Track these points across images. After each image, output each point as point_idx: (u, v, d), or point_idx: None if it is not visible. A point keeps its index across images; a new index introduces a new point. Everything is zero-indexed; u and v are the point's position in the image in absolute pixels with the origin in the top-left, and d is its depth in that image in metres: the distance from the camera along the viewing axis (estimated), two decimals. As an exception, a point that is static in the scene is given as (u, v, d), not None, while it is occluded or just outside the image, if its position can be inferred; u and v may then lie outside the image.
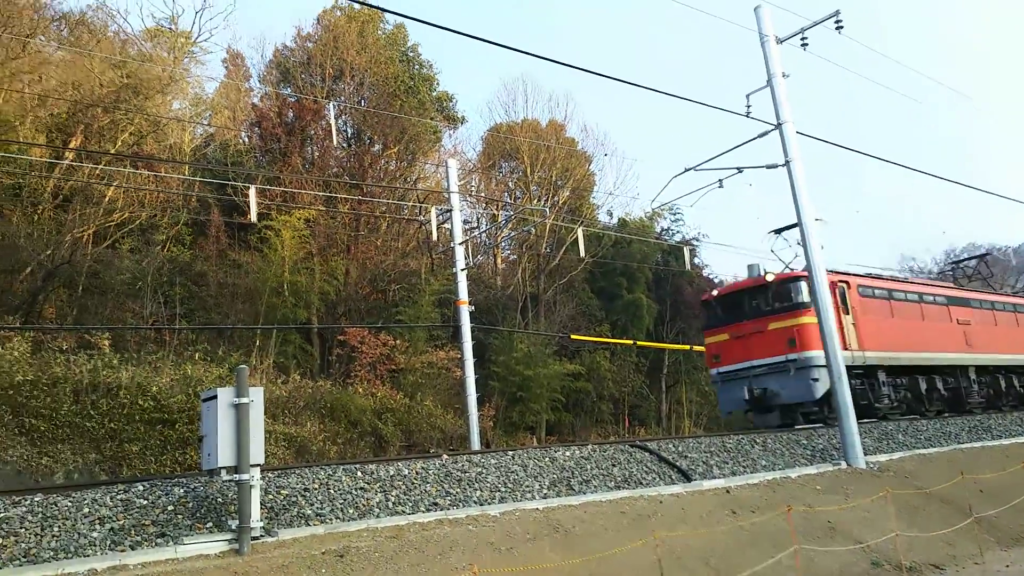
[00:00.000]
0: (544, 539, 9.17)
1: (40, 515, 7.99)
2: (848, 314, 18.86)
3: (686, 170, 18.67)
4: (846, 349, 17.66)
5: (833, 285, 18.39)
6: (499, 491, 10.51)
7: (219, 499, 9.02)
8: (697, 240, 42.04)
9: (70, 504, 8.30)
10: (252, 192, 18.83)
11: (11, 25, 26.82)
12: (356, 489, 9.84)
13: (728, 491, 11.55)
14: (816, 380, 17.32)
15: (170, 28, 36.64)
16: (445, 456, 11.48)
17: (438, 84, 38.59)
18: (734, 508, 10.90)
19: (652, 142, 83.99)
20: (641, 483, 11.70)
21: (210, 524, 8.52)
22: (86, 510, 8.25)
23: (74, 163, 26.65)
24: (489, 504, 10.08)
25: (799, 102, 17.62)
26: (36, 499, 8.31)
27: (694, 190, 18.85)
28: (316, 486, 9.70)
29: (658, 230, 42.11)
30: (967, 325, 22.98)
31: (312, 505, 9.29)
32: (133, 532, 8.12)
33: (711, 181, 18.81)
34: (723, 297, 20.54)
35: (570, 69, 12.36)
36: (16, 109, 26.32)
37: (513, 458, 11.60)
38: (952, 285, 25.54)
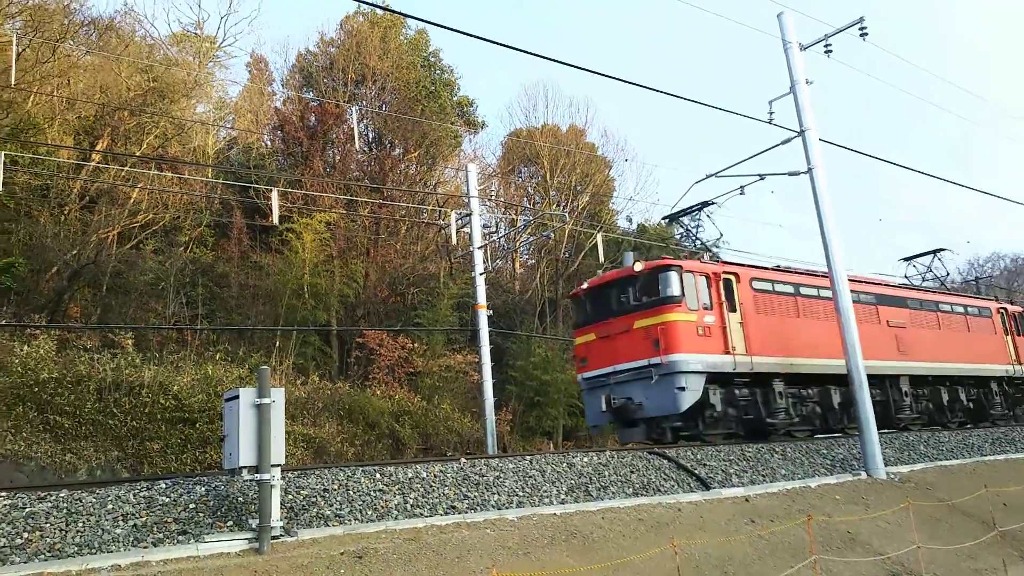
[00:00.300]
0: (562, 544, 9.15)
1: (65, 511, 8.10)
2: (735, 311, 16.17)
3: (707, 176, 18.64)
4: (727, 353, 15.45)
5: (714, 277, 16.08)
6: (517, 495, 10.51)
7: (240, 498, 9.09)
8: (717, 247, 41.78)
9: (94, 500, 8.40)
10: (274, 195, 18.98)
11: (42, 29, 27.33)
12: (375, 491, 9.87)
13: (747, 500, 11.48)
14: (682, 389, 14.58)
15: (195, 33, 37.20)
16: (463, 460, 11.49)
17: (459, 89, 38.86)
18: (753, 517, 10.83)
19: (672, 148, 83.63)
20: (660, 490, 11.65)
21: (231, 523, 8.59)
22: (110, 507, 8.35)
23: (100, 165, 27.07)
24: (507, 508, 10.08)
25: (821, 108, 17.21)
26: (61, 495, 8.42)
27: (715, 196, 18.66)
28: (335, 487, 9.74)
29: (678, 236, 41.94)
30: (900, 328, 19.93)
31: (331, 506, 9.34)
32: (155, 529, 8.20)
33: (733, 188, 18.79)
34: (592, 291, 17.42)
35: (589, 74, 12.40)
36: (45, 112, 26.79)
37: (531, 463, 11.59)
38: (884, 282, 22.07)
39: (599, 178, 38.90)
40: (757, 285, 17.00)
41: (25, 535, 7.58)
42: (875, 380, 18.37)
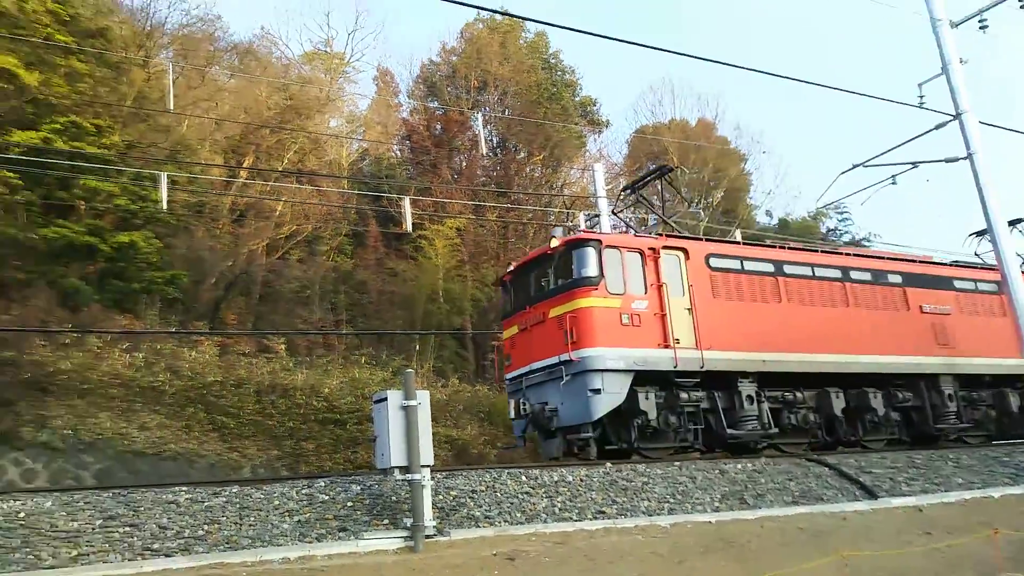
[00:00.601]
0: (717, 553, 8.78)
1: (238, 505, 8.59)
2: (684, 295, 13.12)
3: (854, 166, 17.42)
4: (665, 346, 12.49)
5: (650, 254, 13.08)
6: (667, 502, 10.22)
7: (392, 498, 9.32)
8: (868, 240, 39.44)
9: (262, 496, 8.87)
10: (406, 203, 19.55)
11: (191, 57, 29.60)
12: (521, 493, 9.87)
13: (920, 510, 10.61)
14: (597, 392, 11.88)
15: (325, 51, 39.13)
16: (609, 464, 11.30)
17: (581, 89, 38.73)
18: (928, 528, 9.97)
19: (812, 139, 79.08)
20: (821, 499, 10.99)
21: (386, 521, 8.81)
22: (276, 502, 8.78)
23: (247, 181, 28.94)
24: (658, 515, 9.81)
25: (979, 87, 15.59)
26: (233, 490, 8.96)
27: (864, 187, 17.31)
28: (483, 488, 9.82)
29: (824, 230, 39.92)
30: (941, 316, 16.02)
31: (480, 507, 9.40)
32: (318, 525, 8.53)
33: (882, 177, 17.43)
34: (515, 273, 14.72)
35: (719, 66, 11.84)
36: (197, 134, 28.95)
37: (680, 469, 11.26)
38: (918, 259, 17.57)
39: (733, 172, 37.55)
40: (717, 263, 13.88)
41: (205, 527, 8.08)
42: (900, 380, 15.29)
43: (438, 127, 34.20)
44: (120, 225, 22.47)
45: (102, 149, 22.14)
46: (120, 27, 27.98)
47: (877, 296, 15.47)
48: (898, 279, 16.07)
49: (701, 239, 14.44)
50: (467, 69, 35.28)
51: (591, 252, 12.60)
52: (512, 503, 9.64)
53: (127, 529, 7.80)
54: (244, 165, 29.56)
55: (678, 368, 12.52)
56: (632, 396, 12.21)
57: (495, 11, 14.72)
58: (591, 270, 12.50)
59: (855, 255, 16.28)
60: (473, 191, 30.98)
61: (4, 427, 15.39)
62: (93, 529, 7.74)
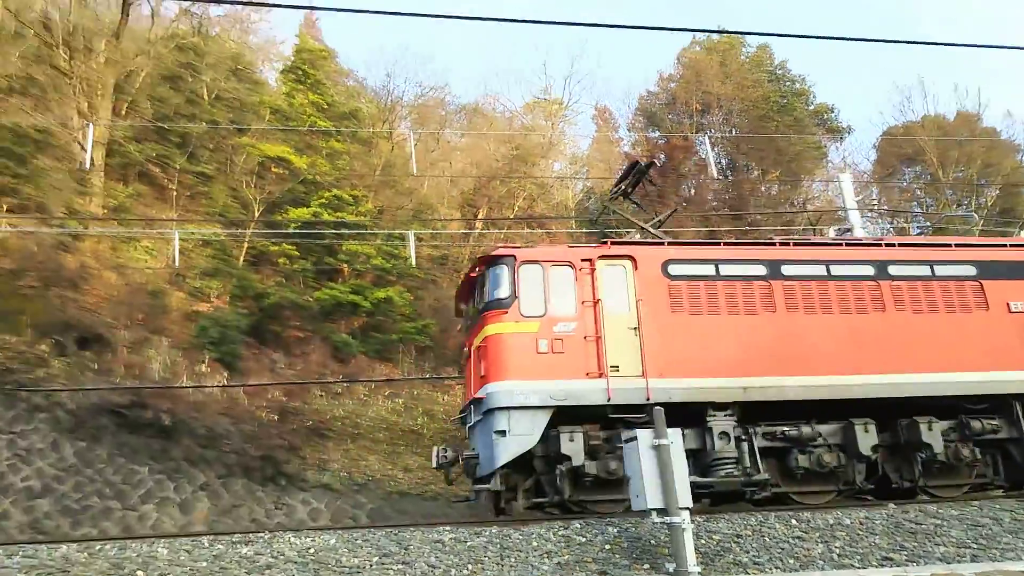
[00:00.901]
0: (1046, 613, 7.31)
1: (498, 545, 8.76)
2: (629, 311, 10.94)
3: None
4: (598, 375, 10.42)
5: (584, 266, 11.11)
6: (968, 547, 8.81)
7: (651, 541, 9.00)
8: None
9: (520, 537, 8.99)
10: (636, 237, 19.42)
11: (426, 124, 32.39)
12: (792, 538, 9.07)
13: None
14: (502, 434, 10.13)
15: (544, 99, 40.74)
16: (892, 505, 10.04)
17: (814, 97, 36.35)
18: None
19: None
20: None
21: (647, 566, 8.47)
22: (534, 543, 8.84)
23: (483, 231, 30.71)
24: (958, 561, 8.47)
25: None
26: (493, 531, 9.19)
27: None
28: (748, 533, 9.17)
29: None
30: None
31: (747, 553, 8.74)
32: (577, 568, 8.42)
33: None
34: (462, 301, 13.24)
35: (975, 51, 10.05)
36: (436, 193, 31.42)
37: (981, 509, 9.71)
38: (1009, 243, 13.27)
39: (1007, 165, 32.52)
40: (678, 270, 11.37)
41: (470, 567, 8.31)
42: (980, 405, 11.53)
43: (661, 156, 33.90)
44: (377, 282, 24.91)
45: (359, 216, 24.82)
46: (367, 106, 31.50)
47: (935, 295, 12.01)
48: (970, 271, 12.31)
49: (661, 243, 11.99)
50: (687, 94, 34.76)
51: (503, 270, 11.03)
52: (783, 548, 8.87)
53: (400, 567, 8.24)
54: (479, 216, 31.45)
55: (612, 402, 10.44)
56: (552, 438, 10.43)
57: (711, 31, 14.25)
58: (502, 291, 10.93)
59: (900, 245, 12.89)
60: (704, 216, 30.06)
61: (292, 470, 17.42)
62: (371, 565, 8.27)
